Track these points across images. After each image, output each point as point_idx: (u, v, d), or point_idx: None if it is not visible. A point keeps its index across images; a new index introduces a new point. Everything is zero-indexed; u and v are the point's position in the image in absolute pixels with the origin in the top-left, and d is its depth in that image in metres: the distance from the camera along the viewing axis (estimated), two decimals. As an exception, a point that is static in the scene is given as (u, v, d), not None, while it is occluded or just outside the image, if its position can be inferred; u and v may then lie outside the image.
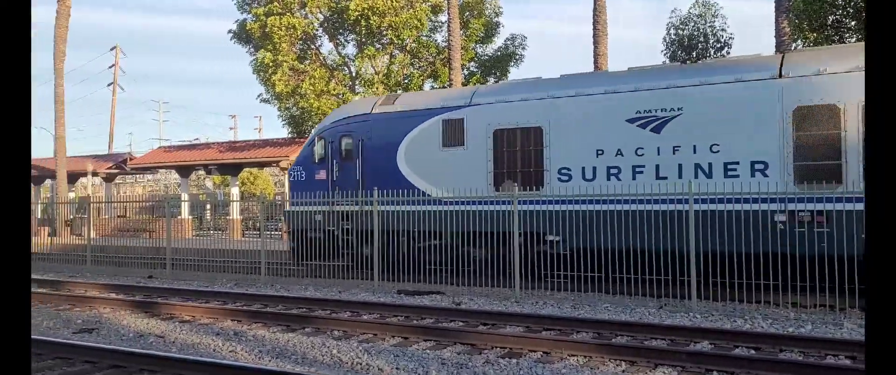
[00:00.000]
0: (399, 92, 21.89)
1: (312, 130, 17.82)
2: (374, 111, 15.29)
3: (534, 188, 13.16)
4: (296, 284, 14.26)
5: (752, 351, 7.89)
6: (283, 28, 25.54)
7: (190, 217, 27.89)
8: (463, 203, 13.32)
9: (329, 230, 15.00)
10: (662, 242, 11.56)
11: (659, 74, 12.68)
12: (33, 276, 15.83)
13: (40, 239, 22.98)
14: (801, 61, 11.59)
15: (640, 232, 11.70)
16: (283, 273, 15.09)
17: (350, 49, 28.99)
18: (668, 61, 21.17)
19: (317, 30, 28.02)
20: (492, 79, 27.35)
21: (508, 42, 28.25)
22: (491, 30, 28.17)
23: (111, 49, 49.82)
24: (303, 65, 27.34)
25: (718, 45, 21.68)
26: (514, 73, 27.95)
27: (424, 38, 27.79)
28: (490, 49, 28.66)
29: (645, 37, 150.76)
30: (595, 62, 20.66)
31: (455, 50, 22.99)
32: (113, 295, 12.94)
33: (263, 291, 13.33)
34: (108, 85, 48.96)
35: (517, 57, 28.07)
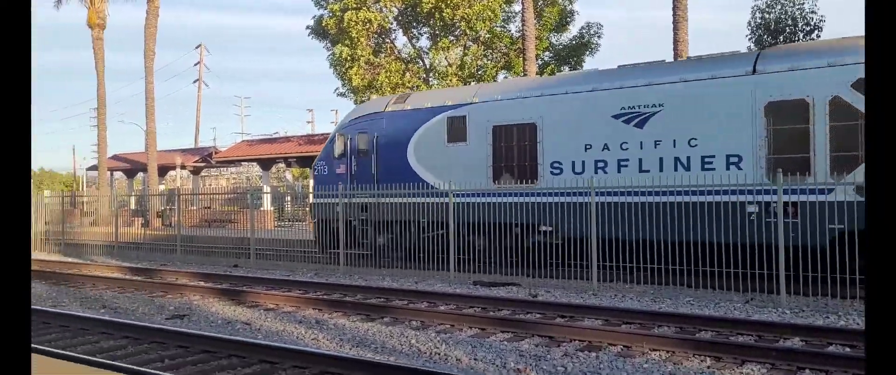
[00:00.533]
0: (409, 91, 22.28)
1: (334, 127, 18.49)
2: (386, 109, 16.18)
3: (529, 181, 13.74)
4: (374, 274, 14.51)
5: (848, 349, 7.50)
6: (360, 22, 25.91)
7: (272, 208, 28.79)
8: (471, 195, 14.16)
9: (348, 220, 15.92)
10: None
11: (642, 72, 13.05)
12: (130, 264, 16.74)
13: (134, 230, 24.21)
14: (775, 57, 11.93)
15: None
16: (361, 263, 15.37)
17: (424, 42, 29.17)
18: (752, 47, 20.34)
19: (391, 23, 28.31)
20: (567, 68, 26.98)
21: (583, 31, 27.75)
22: (565, 18, 27.75)
23: (196, 47, 51.93)
24: (378, 59, 27.69)
25: (808, 28, 20.65)
26: (589, 63, 27.48)
27: (498, 29, 27.66)
28: (565, 38, 28.25)
29: (727, 22, 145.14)
30: (674, 49, 20.04)
31: (529, 40, 22.78)
32: (201, 283, 13.51)
33: (342, 281, 13.62)
34: (194, 82, 51.06)
35: (592, 46, 27.55)
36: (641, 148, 12.56)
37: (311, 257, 16.39)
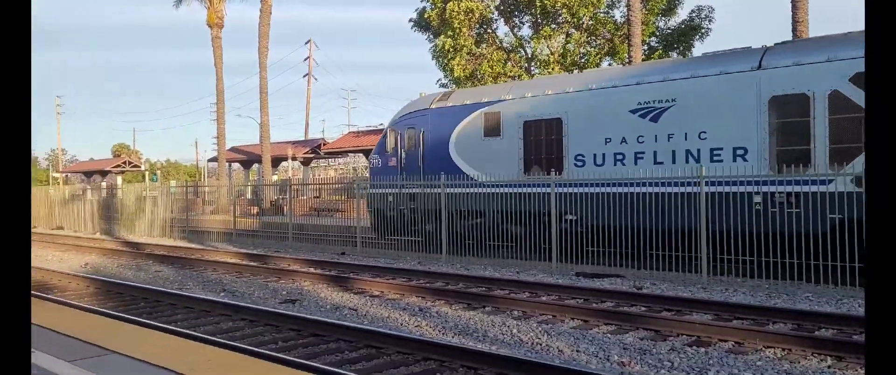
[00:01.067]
0: (452, 89, 23.35)
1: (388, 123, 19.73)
2: (431, 106, 17.29)
3: (557, 172, 14.28)
4: (475, 264, 14.63)
5: None
6: (461, 13, 26.05)
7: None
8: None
9: (400, 209, 17.22)
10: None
11: (657, 69, 13.99)
12: (246, 251, 17.70)
13: (250, 218, 25.54)
14: (779, 53, 12.26)
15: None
16: (463, 252, 15.53)
17: (525, 30, 28.97)
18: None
19: (493, 13, 28.28)
20: (675, 54, 26.01)
21: (693, 14, 26.63)
22: (673, 2, 26.74)
23: (306, 43, 53.88)
24: (480, 49, 27.76)
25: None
26: (699, 48, 26.30)
27: (601, 15, 27.04)
28: (673, 22, 27.23)
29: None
30: (793, 30, 18.87)
31: (635, 25, 22.12)
32: (311, 270, 14.10)
33: (444, 269, 13.82)
34: (304, 76, 53.07)
35: (703, 30, 26.39)
36: (656, 141, 13.16)
37: (413, 245, 16.72)
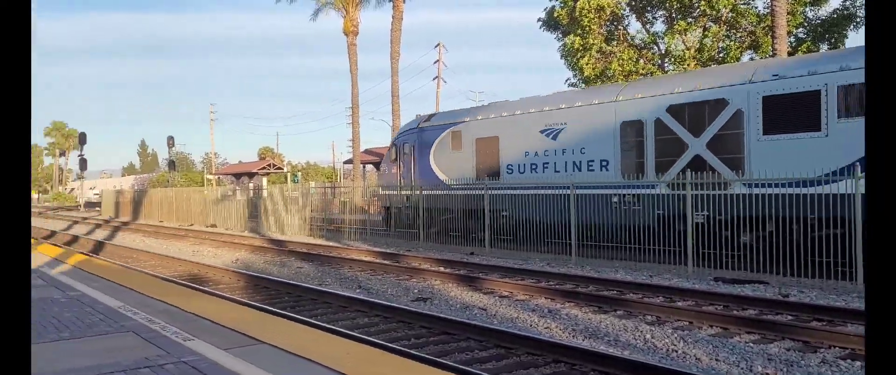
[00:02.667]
0: (435, 112, 26.76)
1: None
2: (420, 126, 21.46)
3: (494, 178, 18.36)
4: (606, 266, 14.32)
5: None
6: (592, 11, 25.57)
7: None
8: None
9: (399, 207, 21.62)
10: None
11: (555, 98, 17.70)
12: (380, 249, 18.34)
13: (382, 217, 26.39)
14: (627, 89, 15.92)
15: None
16: (592, 254, 15.25)
17: (659, 26, 27.97)
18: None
19: (624, 9, 27.54)
20: (824, 46, 24.11)
21: (847, 2, 24.52)
22: (824, -12, 24.80)
23: (435, 46, 54.91)
24: (610, 47, 27.12)
25: None
26: (853, 39, 24.15)
27: (742, 6, 25.55)
28: (823, 12, 25.24)
29: None
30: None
31: (779, 16, 20.73)
32: (441, 269, 14.38)
33: (574, 271, 13.63)
34: (433, 79, 54.09)
35: (857, 19, 24.23)
36: (555, 154, 16.86)
37: (541, 246, 16.62)
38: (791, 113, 12.51)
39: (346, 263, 15.76)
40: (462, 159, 19.46)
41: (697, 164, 13.68)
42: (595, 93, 16.83)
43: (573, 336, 8.38)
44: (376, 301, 10.30)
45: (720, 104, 13.57)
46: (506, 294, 11.43)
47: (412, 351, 6.96)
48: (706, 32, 26.01)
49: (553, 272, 13.38)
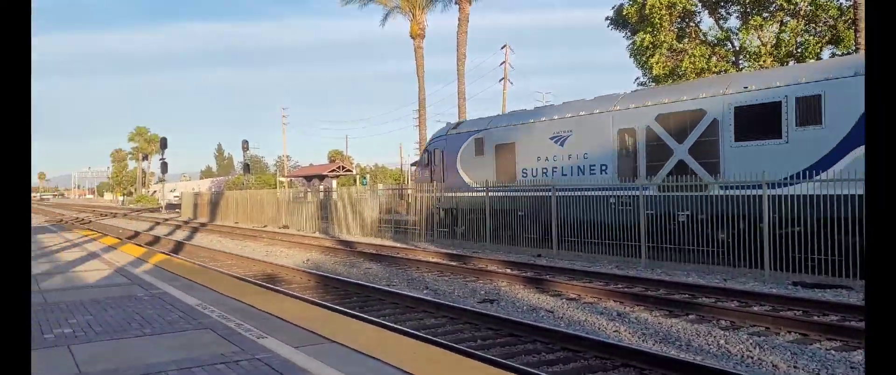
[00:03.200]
0: (462, 120, 28.48)
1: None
2: (449, 133, 23.32)
3: (513, 182, 19.72)
4: (677, 270, 13.97)
5: None
6: (663, 7, 25.00)
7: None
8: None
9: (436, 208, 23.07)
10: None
11: (563, 108, 18.94)
12: (446, 250, 18.44)
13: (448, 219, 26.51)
14: (623, 99, 17.07)
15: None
16: (663, 256, 14.90)
17: (733, 21, 27.10)
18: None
19: (696, 5, 26.80)
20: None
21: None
22: (914, -23, 23.46)
23: (501, 47, 54.77)
24: (682, 44, 26.45)
25: None
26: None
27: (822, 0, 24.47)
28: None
29: None
30: None
31: (863, 9, 19.74)
32: (508, 271, 14.34)
33: (644, 274, 13.36)
34: (499, 80, 53.96)
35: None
36: (563, 159, 18.20)
37: (612, 249, 16.36)
38: (758, 122, 13.67)
39: (414, 264, 15.91)
40: (484, 164, 21.10)
41: (681, 168, 15.06)
42: (596, 103, 17.75)
43: (643, 341, 8.22)
44: (443, 302, 10.37)
45: (699, 114, 14.78)
46: (573, 296, 11.31)
47: (479, 352, 6.97)
48: (783, 27, 25.03)
49: (622, 274, 13.15)
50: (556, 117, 18.55)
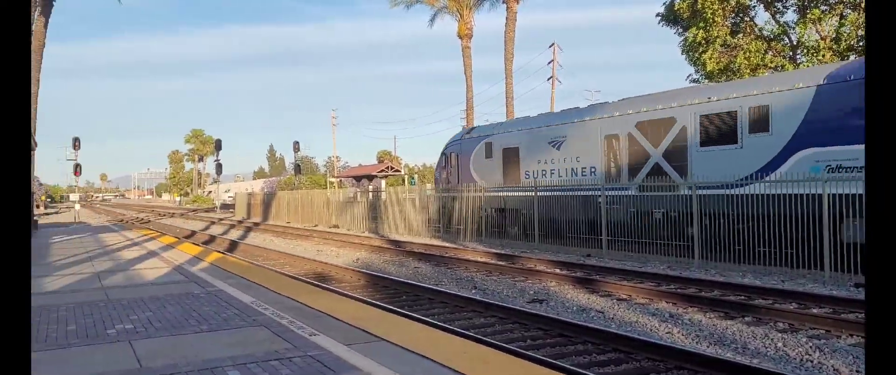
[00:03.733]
0: (474, 126, 29.40)
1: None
2: (462, 138, 25.33)
3: (515, 183, 21.58)
4: (733, 270, 13.63)
5: None
6: (716, 2, 24.44)
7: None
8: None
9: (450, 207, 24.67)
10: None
11: (560, 116, 20.97)
12: (495, 250, 18.40)
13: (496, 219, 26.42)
14: (609, 108, 18.91)
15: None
16: (717, 257, 14.56)
17: (790, 15, 26.30)
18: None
19: (751, 0, 26.10)
20: None
21: None
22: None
23: (549, 46, 54.39)
24: (735, 40, 25.81)
25: None
26: None
27: (887, -10, 23.53)
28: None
29: None
30: None
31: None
32: (557, 271, 14.23)
33: (697, 275, 13.08)
34: (548, 79, 53.58)
35: None
36: (559, 162, 20.10)
37: (663, 249, 16.07)
38: (719, 129, 15.35)
39: (462, 264, 15.93)
40: (492, 166, 23.04)
41: (656, 170, 16.77)
42: (586, 111, 19.71)
43: (697, 343, 8.05)
44: (492, 301, 10.35)
45: (671, 121, 16.49)
46: (624, 297, 11.15)
47: (529, 352, 6.94)
48: (843, 21, 24.17)
49: (674, 275, 12.90)
50: (554, 124, 20.49)
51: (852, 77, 12.86)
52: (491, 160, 23.04)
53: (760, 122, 14.38)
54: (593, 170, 18.75)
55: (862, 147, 12.37)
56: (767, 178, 13.77)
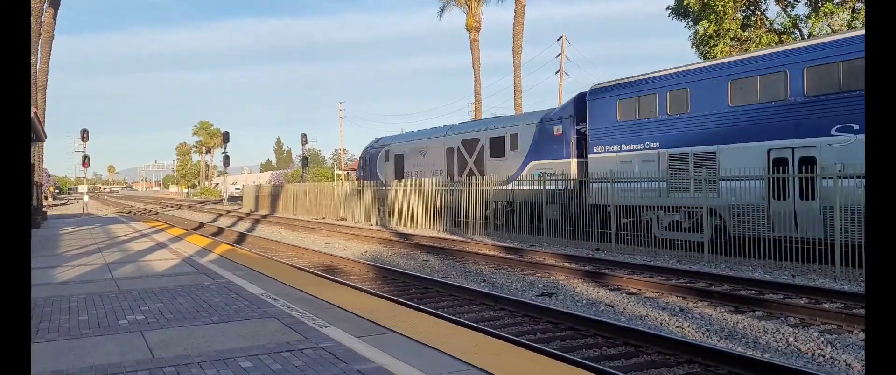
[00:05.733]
0: (383, 136, 35.02)
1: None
2: (372, 146, 32.79)
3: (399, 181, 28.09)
4: (742, 265, 13.58)
5: None
6: (726, -5, 24.27)
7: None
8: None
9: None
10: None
11: (425, 133, 28.78)
12: (503, 243, 18.38)
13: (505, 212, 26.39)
14: (450, 129, 27.32)
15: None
16: (727, 252, 14.50)
17: (801, 8, 26.11)
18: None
19: (762, -8, 25.90)
20: None
21: None
22: None
23: (557, 39, 54.14)
24: (746, 33, 25.64)
25: None
26: None
27: (900, -17, 23.29)
28: None
29: None
30: None
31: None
32: (566, 264, 14.19)
33: (707, 269, 13.03)
34: (556, 72, 53.39)
35: None
36: (424, 166, 27.30)
37: (671, 244, 16.01)
38: (497, 146, 23.44)
39: (470, 257, 15.92)
40: (389, 168, 30.46)
41: (470, 173, 24.44)
42: (435, 132, 27.88)
43: (707, 337, 8.02)
44: (501, 295, 10.34)
45: (477, 141, 24.51)
46: (634, 291, 11.13)
47: (539, 345, 6.93)
48: (855, 14, 23.96)
49: (684, 269, 12.86)
50: (422, 138, 28.41)
51: (551, 118, 20.99)
52: (388, 163, 30.73)
53: (514, 143, 22.55)
54: (441, 171, 26.48)
55: (554, 161, 20.46)
56: (518, 178, 21.72)
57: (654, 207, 16.51)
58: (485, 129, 24.16)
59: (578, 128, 19.45)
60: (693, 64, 16.67)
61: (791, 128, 13.83)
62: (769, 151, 14.13)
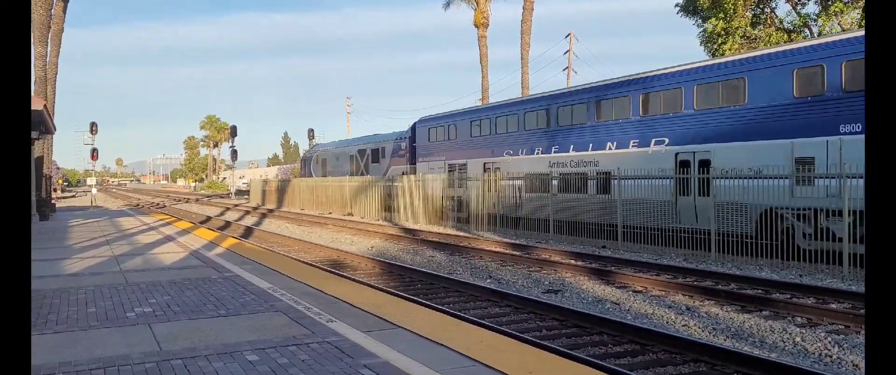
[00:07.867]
0: (318, 143, 47.00)
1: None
2: (310, 151, 43.94)
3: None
4: (750, 264, 13.53)
5: None
6: (736, -7, 24.16)
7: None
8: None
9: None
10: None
11: (342, 142, 39.57)
12: (510, 240, 18.37)
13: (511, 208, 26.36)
14: (355, 140, 39.14)
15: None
16: (735, 251, 14.45)
17: (811, 7, 25.95)
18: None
19: (772, -10, 25.76)
20: None
21: None
22: None
23: (566, 36, 54.00)
24: (756, 31, 25.51)
25: None
26: None
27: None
28: None
29: None
30: None
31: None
32: (572, 262, 14.17)
33: (713, 268, 12.99)
34: (563, 69, 53.27)
35: None
36: (339, 170, 36.80)
37: (679, 241, 15.97)
38: (376, 156, 32.61)
39: (476, 253, 15.92)
40: (318, 169, 39.25)
41: (361, 174, 32.25)
42: (344, 142, 37.23)
43: (714, 336, 8.00)
44: (507, 291, 10.34)
45: (365, 150, 33.44)
46: (640, 289, 11.11)
47: (544, 342, 6.93)
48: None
49: (690, 268, 12.83)
50: (340, 147, 36.99)
51: (401, 137, 30.12)
52: (317, 165, 39.78)
53: (384, 154, 31.72)
54: (348, 172, 34.73)
55: (404, 166, 29.25)
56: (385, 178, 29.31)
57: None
58: (369, 144, 34.11)
59: (414, 144, 29.14)
60: (472, 107, 28.35)
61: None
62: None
